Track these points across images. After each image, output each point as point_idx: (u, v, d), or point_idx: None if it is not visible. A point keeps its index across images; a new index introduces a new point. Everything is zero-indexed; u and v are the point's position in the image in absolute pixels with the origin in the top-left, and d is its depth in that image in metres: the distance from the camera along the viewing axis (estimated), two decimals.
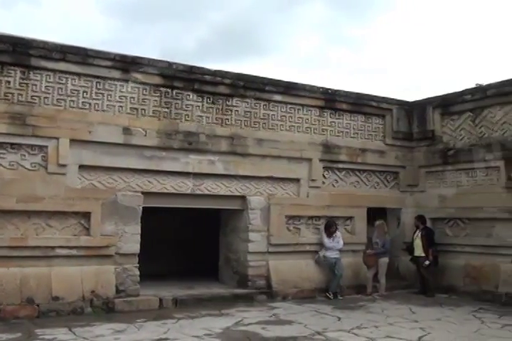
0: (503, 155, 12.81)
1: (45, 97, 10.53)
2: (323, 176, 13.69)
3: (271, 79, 12.93)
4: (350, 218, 14.03)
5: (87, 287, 10.49)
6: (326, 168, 13.71)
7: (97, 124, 10.88)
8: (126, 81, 11.33)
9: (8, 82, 10.21)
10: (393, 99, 14.90)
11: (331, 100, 13.79)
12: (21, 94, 10.32)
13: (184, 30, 47.57)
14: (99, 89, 11.07)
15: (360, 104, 14.29)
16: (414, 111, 14.99)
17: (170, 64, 11.74)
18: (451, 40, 45.33)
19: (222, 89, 12.33)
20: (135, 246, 11.14)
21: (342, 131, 14.06)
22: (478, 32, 45.47)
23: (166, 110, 11.74)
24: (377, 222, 13.68)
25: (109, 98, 11.16)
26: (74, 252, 10.53)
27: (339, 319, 10.28)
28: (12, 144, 10.21)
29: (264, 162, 12.81)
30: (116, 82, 11.23)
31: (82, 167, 10.80)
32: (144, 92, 11.53)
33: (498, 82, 13.10)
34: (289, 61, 46.43)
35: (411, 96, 31.05)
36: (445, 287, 13.50)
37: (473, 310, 11.36)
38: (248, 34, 47.10)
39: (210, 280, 13.47)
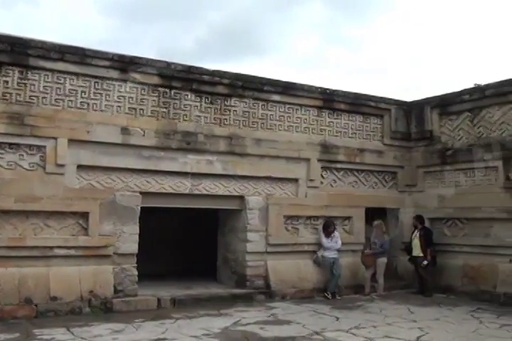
0: (501, 155, 12.82)
1: (43, 97, 10.52)
2: (322, 176, 13.69)
3: (269, 79, 12.93)
4: (348, 218, 14.04)
5: (85, 287, 10.48)
6: (324, 168, 13.72)
7: (96, 124, 10.88)
8: (125, 81, 11.33)
9: (7, 82, 10.20)
10: (391, 99, 14.91)
11: (329, 100, 13.80)
12: (19, 94, 10.31)
13: (182, 30, 47.60)
14: (97, 89, 11.06)
15: (359, 104, 14.29)
16: (413, 111, 15.00)
17: (168, 64, 11.73)
18: (450, 40, 45.38)
19: (220, 89, 12.33)
20: (133, 246, 11.14)
21: (340, 131, 14.07)
22: (477, 32, 45.54)
23: (165, 110, 11.74)
24: (376, 222, 13.69)
25: (108, 98, 11.16)
26: (72, 252, 10.52)
27: (337, 319, 10.28)
28: (10, 144, 10.20)
29: (263, 162, 12.81)
30: (114, 82, 11.23)
31: (80, 167, 10.79)
32: (143, 92, 11.52)
33: (496, 82, 13.11)
34: (287, 61, 46.48)
35: (410, 96, 31.08)
36: (443, 287, 13.51)
37: (472, 310, 11.37)
38: (247, 34, 47.13)
39: (209, 280, 13.47)
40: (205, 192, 12.18)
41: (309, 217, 13.45)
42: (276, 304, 11.74)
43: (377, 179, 14.69)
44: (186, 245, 15.31)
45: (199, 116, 12.11)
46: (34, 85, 10.45)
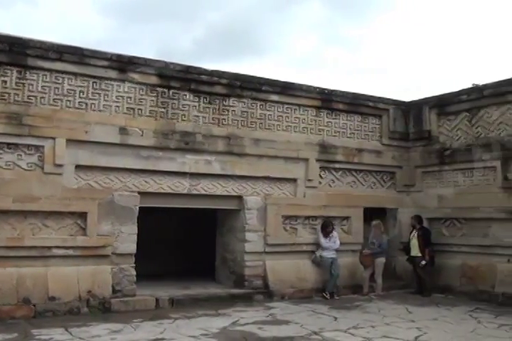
0: (499, 155, 12.82)
1: (41, 97, 10.51)
2: (320, 176, 13.69)
3: (267, 79, 12.93)
4: (346, 218, 14.04)
5: (84, 287, 10.48)
6: (322, 168, 13.72)
7: (94, 124, 10.87)
8: (123, 81, 11.32)
9: (5, 82, 10.19)
10: (390, 99, 14.92)
11: (327, 100, 13.80)
12: (18, 94, 10.30)
13: (181, 30, 47.58)
14: (95, 89, 11.05)
15: (357, 104, 14.30)
16: (411, 111, 15.01)
17: (167, 64, 11.73)
18: (448, 39, 45.38)
19: (218, 89, 12.33)
20: (131, 246, 11.13)
21: (338, 131, 14.07)
22: (475, 32, 45.56)
23: (163, 110, 11.74)
24: (374, 222, 13.70)
25: (106, 98, 11.15)
26: (70, 252, 10.52)
27: (336, 319, 10.29)
28: (8, 144, 10.19)
29: (261, 162, 12.81)
30: (112, 82, 11.22)
31: (78, 167, 10.79)
32: (141, 92, 11.52)
33: (494, 82, 13.11)
34: (286, 61, 46.50)
35: (409, 96, 31.10)
36: (442, 287, 13.51)
37: (470, 310, 11.38)
38: (246, 34, 47.10)
39: (207, 280, 13.46)
40: (203, 192, 12.18)
41: (308, 217, 13.45)
42: (275, 304, 11.75)
43: (376, 179, 14.70)
44: (185, 245, 15.31)
45: (197, 116, 12.11)
46: (32, 85, 10.44)
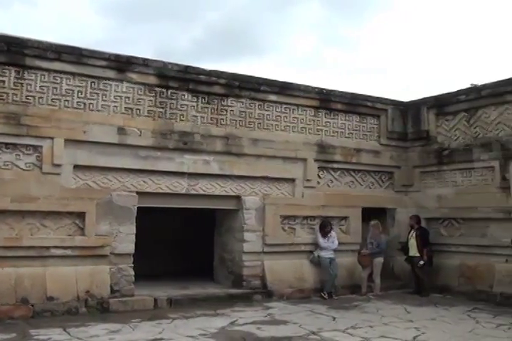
0: (498, 155, 12.82)
1: (39, 97, 10.51)
2: (318, 176, 13.70)
3: (266, 79, 12.93)
4: (345, 218, 14.04)
5: (82, 287, 10.48)
6: (320, 168, 13.72)
7: (92, 124, 10.87)
8: (121, 81, 11.32)
9: (3, 82, 10.18)
10: (388, 99, 14.92)
11: (325, 100, 13.81)
12: (16, 94, 10.29)
13: (179, 30, 47.48)
14: (94, 88, 11.05)
15: (355, 104, 14.31)
16: (409, 111, 15.02)
17: (165, 64, 11.73)
18: (447, 39, 45.44)
19: (217, 89, 12.33)
20: (130, 246, 11.13)
21: (337, 131, 14.08)
22: (473, 32, 45.60)
23: (161, 110, 11.73)
24: (372, 222, 13.70)
25: (104, 98, 11.15)
26: (68, 252, 10.51)
27: (334, 319, 10.29)
28: (6, 144, 10.19)
29: (259, 162, 12.81)
30: (111, 82, 11.22)
31: (76, 167, 10.78)
32: (139, 92, 11.52)
33: (492, 83, 13.13)
34: (285, 61, 46.44)
35: (408, 96, 30.99)
36: (440, 287, 13.53)
37: (468, 310, 11.38)
38: (244, 34, 47.02)
39: (205, 280, 13.46)
40: (201, 192, 12.18)
41: (306, 217, 13.45)
42: (273, 304, 11.75)
43: (374, 179, 14.71)
44: (183, 245, 15.30)
45: (196, 116, 12.11)
46: (31, 85, 10.44)
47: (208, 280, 13.49)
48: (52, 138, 10.45)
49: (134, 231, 11.21)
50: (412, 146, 14.99)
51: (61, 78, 10.73)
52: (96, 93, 11.06)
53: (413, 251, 13.50)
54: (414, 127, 14.90)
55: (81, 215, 10.72)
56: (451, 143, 14.10)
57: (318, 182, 13.68)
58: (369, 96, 14.58)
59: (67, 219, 10.66)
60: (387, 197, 14.85)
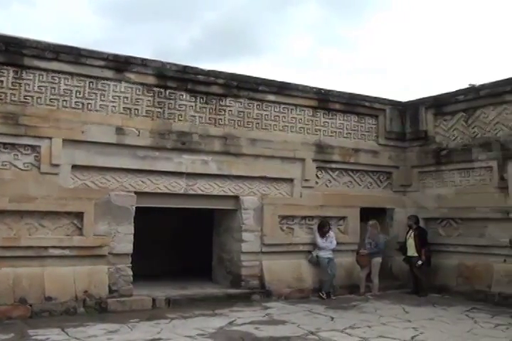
0: (496, 155, 12.83)
1: (38, 97, 10.50)
2: (317, 176, 13.70)
3: (264, 79, 12.94)
4: (343, 218, 14.04)
5: (80, 287, 10.47)
6: (319, 168, 13.72)
7: (90, 124, 10.86)
8: (120, 81, 11.32)
9: (1, 82, 10.18)
10: (386, 99, 14.93)
11: (324, 100, 13.81)
12: (14, 94, 10.29)
13: (178, 30, 47.46)
14: (92, 88, 11.05)
15: (353, 104, 14.31)
16: (407, 111, 15.03)
17: (163, 64, 11.73)
18: (445, 39, 45.44)
19: (215, 89, 12.33)
20: (128, 246, 11.13)
21: (335, 131, 14.08)
22: (472, 32, 45.63)
23: (159, 110, 11.73)
24: (370, 222, 13.70)
25: (102, 98, 11.14)
26: (67, 252, 10.51)
27: (332, 319, 10.29)
28: (5, 144, 10.18)
29: (258, 162, 12.81)
30: (109, 82, 11.22)
31: (74, 167, 10.78)
32: (137, 92, 11.51)
33: (491, 83, 13.14)
34: (284, 61, 46.40)
35: (406, 96, 30.98)
36: (438, 287, 13.53)
37: (466, 310, 11.39)
38: (242, 34, 46.99)
39: (204, 280, 13.46)
40: (200, 192, 12.18)
41: (304, 217, 13.45)
42: (272, 304, 11.75)
43: (372, 179, 14.71)
44: (181, 245, 15.29)
45: (194, 116, 12.11)
46: (29, 85, 10.43)
47: (206, 280, 13.48)
48: (50, 138, 10.44)
49: (132, 231, 11.21)
50: (410, 146, 14.99)
51: (59, 78, 10.73)
52: (94, 93, 11.06)
53: (411, 251, 13.51)
54: (412, 127, 14.91)
55: (79, 215, 10.71)
56: (449, 143, 14.11)
57: (317, 182, 13.68)
58: (367, 96, 14.59)
59: (65, 219, 10.65)
60: (386, 197, 14.85)
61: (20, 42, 10.35)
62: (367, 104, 14.52)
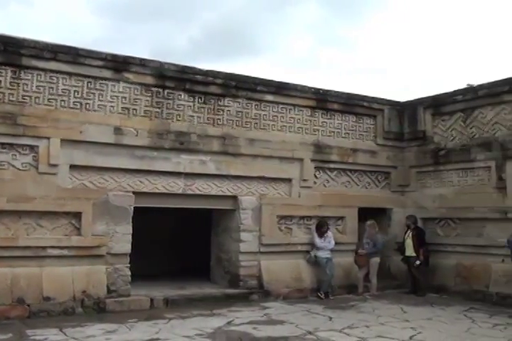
0: (494, 155, 12.84)
1: (36, 97, 10.49)
2: (315, 176, 13.71)
3: (262, 79, 12.94)
4: (341, 218, 14.05)
5: (78, 287, 10.46)
6: (317, 168, 13.73)
7: (89, 124, 10.86)
8: (118, 81, 11.31)
9: None
10: (384, 99, 14.94)
11: (322, 100, 13.81)
12: (12, 94, 10.28)
13: (176, 30, 47.43)
14: (90, 88, 11.04)
15: (352, 104, 14.32)
16: (406, 111, 15.04)
17: (161, 64, 11.72)
18: (444, 39, 45.48)
19: (213, 89, 12.33)
20: (126, 246, 11.12)
21: (333, 131, 14.09)
22: (471, 32, 45.67)
23: (158, 110, 11.73)
24: (369, 222, 13.70)
25: (101, 98, 11.14)
26: (65, 252, 10.50)
27: (330, 319, 10.30)
28: (3, 144, 10.17)
29: (256, 162, 12.81)
30: (107, 82, 11.21)
31: (73, 167, 10.77)
32: (136, 92, 11.51)
33: (489, 83, 13.15)
34: (282, 61, 46.37)
35: (405, 96, 30.97)
36: (436, 287, 13.55)
37: (464, 310, 11.40)
38: (241, 34, 46.97)
39: (202, 280, 13.46)
40: (198, 192, 12.18)
41: (302, 217, 13.46)
42: (270, 304, 11.75)
43: (370, 179, 14.72)
44: (179, 245, 15.28)
45: (192, 116, 12.11)
46: (27, 85, 10.42)
47: (204, 280, 13.49)
48: (48, 138, 10.43)
49: (131, 231, 11.20)
50: (408, 146, 15.00)
51: (57, 78, 10.72)
52: (92, 93, 11.05)
53: (409, 251, 13.52)
54: (410, 127, 14.92)
55: (77, 215, 10.70)
56: (447, 143, 14.12)
57: (315, 182, 13.69)
58: (365, 96, 14.60)
59: (63, 219, 10.65)
60: (384, 197, 14.86)
61: (18, 42, 10.34)
62: (365, 104, 14.52)
